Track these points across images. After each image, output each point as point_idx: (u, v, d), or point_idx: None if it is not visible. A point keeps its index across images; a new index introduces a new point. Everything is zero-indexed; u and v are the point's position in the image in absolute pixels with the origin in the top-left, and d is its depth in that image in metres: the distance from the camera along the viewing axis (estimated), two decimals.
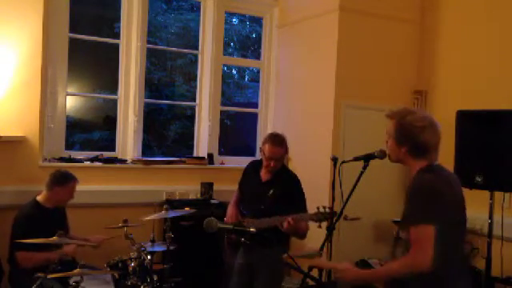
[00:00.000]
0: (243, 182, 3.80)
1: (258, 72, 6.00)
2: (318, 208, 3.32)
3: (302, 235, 3.51)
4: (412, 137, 2.31)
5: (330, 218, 3.07)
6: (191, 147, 5.65)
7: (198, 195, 5.15)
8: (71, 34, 4.84)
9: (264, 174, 3.62)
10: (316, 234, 3.64)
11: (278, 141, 3.51)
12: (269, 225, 3.37)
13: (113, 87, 5.23)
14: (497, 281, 3.84)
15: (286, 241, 3.66)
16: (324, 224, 3.27)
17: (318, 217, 3.28)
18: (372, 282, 2.38)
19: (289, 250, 3.56)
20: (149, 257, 3.71)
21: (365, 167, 2.87)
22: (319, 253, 2.98)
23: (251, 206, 3.58)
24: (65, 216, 4.08)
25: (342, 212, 2.96)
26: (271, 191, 3.51)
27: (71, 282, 3.18)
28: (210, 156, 5.41)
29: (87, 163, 4.77)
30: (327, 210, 3.29)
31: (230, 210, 3.71)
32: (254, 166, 3.75)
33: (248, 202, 3.65)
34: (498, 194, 3.84)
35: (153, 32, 6.52)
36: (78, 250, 3.76)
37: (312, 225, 3.56)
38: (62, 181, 3.87)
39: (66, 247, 3.67)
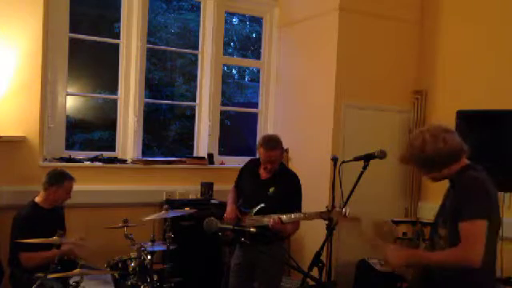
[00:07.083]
0: (241, 180, 3.80)
1: (258, 72, 5.99)
2: (327, 207, 3.34)
3: (288, 236, 3.54)
4: (434, 161, 2.26)
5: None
6: (191, 147, 5.64)
7: (198, 195, 5.14)
8: (71, 34, 4.83)
9: (263, 173, 3.63)
10: (316, 233, 3.64)
11: (271, 144, 3.51)
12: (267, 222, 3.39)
13: (113, 87, 5.22)
14: (497, 281, 3.83)
15: (284, 238, 3.68)
16: (324, 224, 3.27)
17: (327, 215, 3.28)
18: (416, 263, 2.27)
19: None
20: (149, 257, 3.70)
21: (365, 167, 2.88)
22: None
23: (251, 204, 3.57)
24: (63, 217, 4.05)
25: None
26: (272, 189, 3.53)
27: (71, 282, 3.18)
28: (210, 156, 5.41)
29: (87, 163, 4.76)
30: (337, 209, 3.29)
31: (229, 207, 3.69)
32: (253, 164, 3.75)
33: (247, 199, 3.65)
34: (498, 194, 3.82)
35: (153, 32, 6.53)
36: (79, 249, 3.72)
37: (312, 225, 3.56)
38: (58, 180, 3.83)
39: (64, 246, 3.63)
